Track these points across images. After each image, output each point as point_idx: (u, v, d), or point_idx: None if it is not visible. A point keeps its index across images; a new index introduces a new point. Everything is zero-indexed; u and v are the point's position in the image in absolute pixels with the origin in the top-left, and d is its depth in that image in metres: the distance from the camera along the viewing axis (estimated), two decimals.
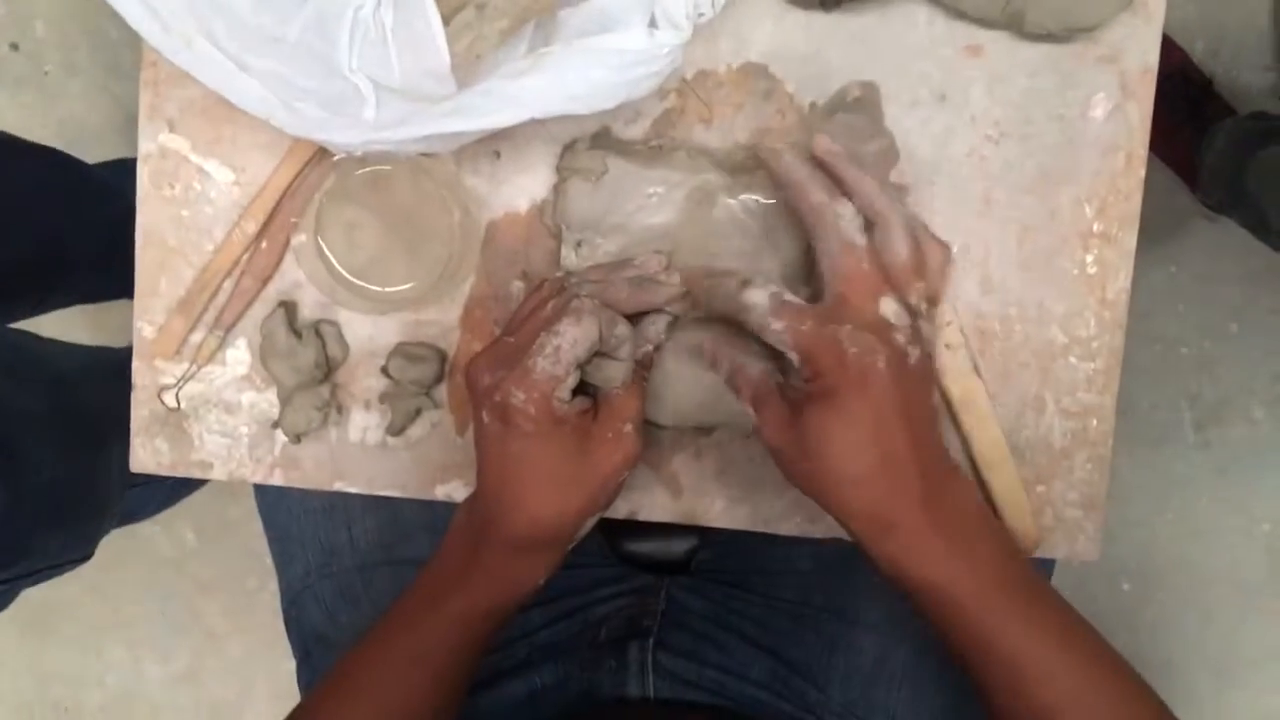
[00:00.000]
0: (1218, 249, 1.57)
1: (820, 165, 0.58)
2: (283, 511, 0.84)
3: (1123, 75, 0.64)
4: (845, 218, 0.55)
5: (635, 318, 0.63)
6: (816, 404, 0.54)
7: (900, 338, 0.54)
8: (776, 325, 0.55)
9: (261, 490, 0.85)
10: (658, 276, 0.62)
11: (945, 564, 0.55)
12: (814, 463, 0.55)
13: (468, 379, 0.60)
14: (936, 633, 0.58)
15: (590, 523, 0.62)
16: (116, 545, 1.72)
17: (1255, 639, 1.63)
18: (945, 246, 0.58)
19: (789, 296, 0.56)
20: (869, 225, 0.57)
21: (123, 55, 1.64)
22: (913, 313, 0.55)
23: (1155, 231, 1.57)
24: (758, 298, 0.56)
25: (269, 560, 0.88)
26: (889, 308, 0.54)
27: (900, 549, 0.55)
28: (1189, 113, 1.50)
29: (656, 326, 0.63)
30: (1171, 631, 1.63)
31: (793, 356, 0.56)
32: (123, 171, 1.23)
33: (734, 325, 0.60)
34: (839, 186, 0.57)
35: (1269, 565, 1.62)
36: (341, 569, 0.82)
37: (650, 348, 0.63)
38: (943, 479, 0.56)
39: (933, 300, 0.57)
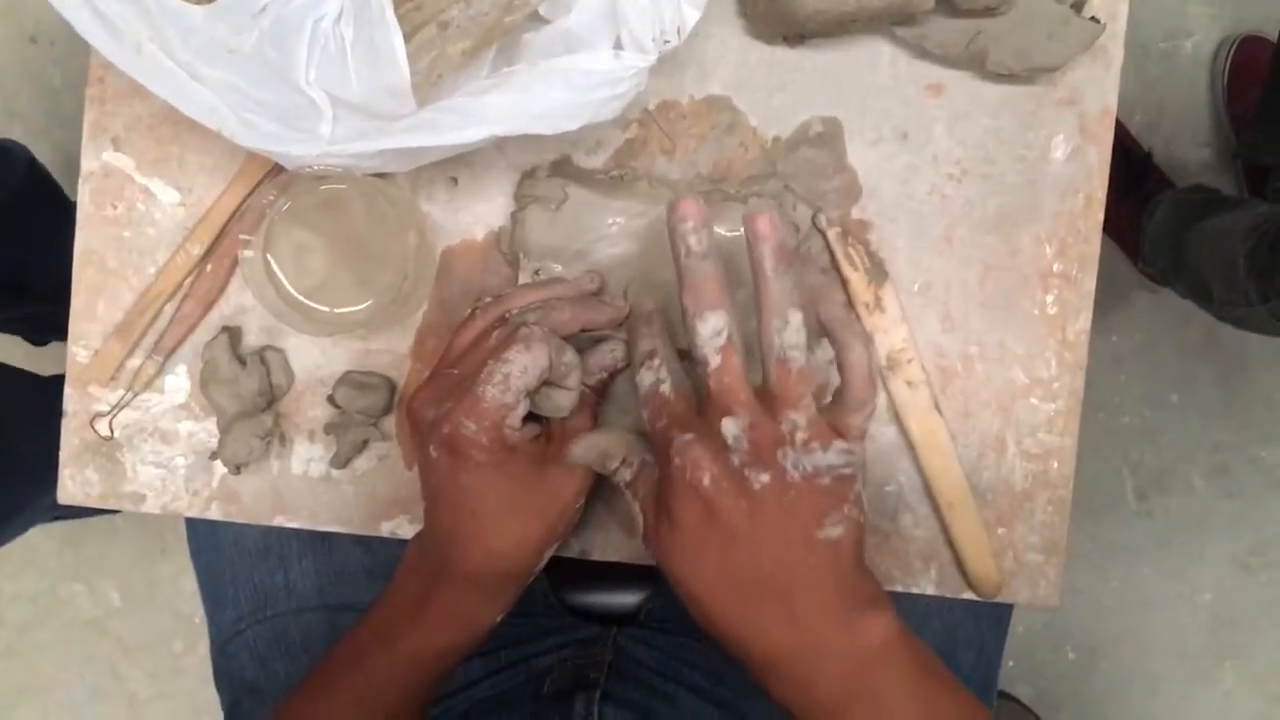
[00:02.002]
0: (1158, 320, 1.60)
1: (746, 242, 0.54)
2: (215, 552, 0.80)
3: (1082, 118, 0.65)
4: (702, 334, 0.53)
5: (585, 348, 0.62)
6: (662, 514, 0.53)
7: (735, 459, 0.51)
8: (644, 412, 0.55)
9: (194, 529, 0.81)
10: (602, 297, 0.61)
11: (837, 716, 0.51)
12: (673, 581, 0.53)
13: (410, 415, 0.58)
14: None
15: (548, 554, 0.60)
16: (34, 604, 1.66)
17: (1200, 709, 1.63)
18: (870, 388, 0.55)
19: (665, 388, 0.55)
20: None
21: (64, 101, 1.61)
22: (772, 439, 0.52)
23: (1097, 302, 1.59)
24: (644, 380, 0.55)
25: (198, 621, 0.84)
26: (727, 428, 0.52)
27: (785, 691, 0.52)
28: (1129, 185, 1.53)
29: (615, 354, 0.61)
30: (1118, 701, 1.63)
31: (653, 448, 0.55)
32: None
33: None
34: (752, 275, 0.54)
35: (1211, 634, 1.63)
36: (276, 614, 0.78)
37: (605, 375, 0.62)
38: (841, 621, 0.52)
39: (840, 433, 0.53)
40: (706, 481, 0.51)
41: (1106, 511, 1.62)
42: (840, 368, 0.56)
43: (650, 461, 0.57)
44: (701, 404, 0.54)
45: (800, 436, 0.52)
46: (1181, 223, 1.38)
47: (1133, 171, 1.54)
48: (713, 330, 0.53)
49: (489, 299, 0.62)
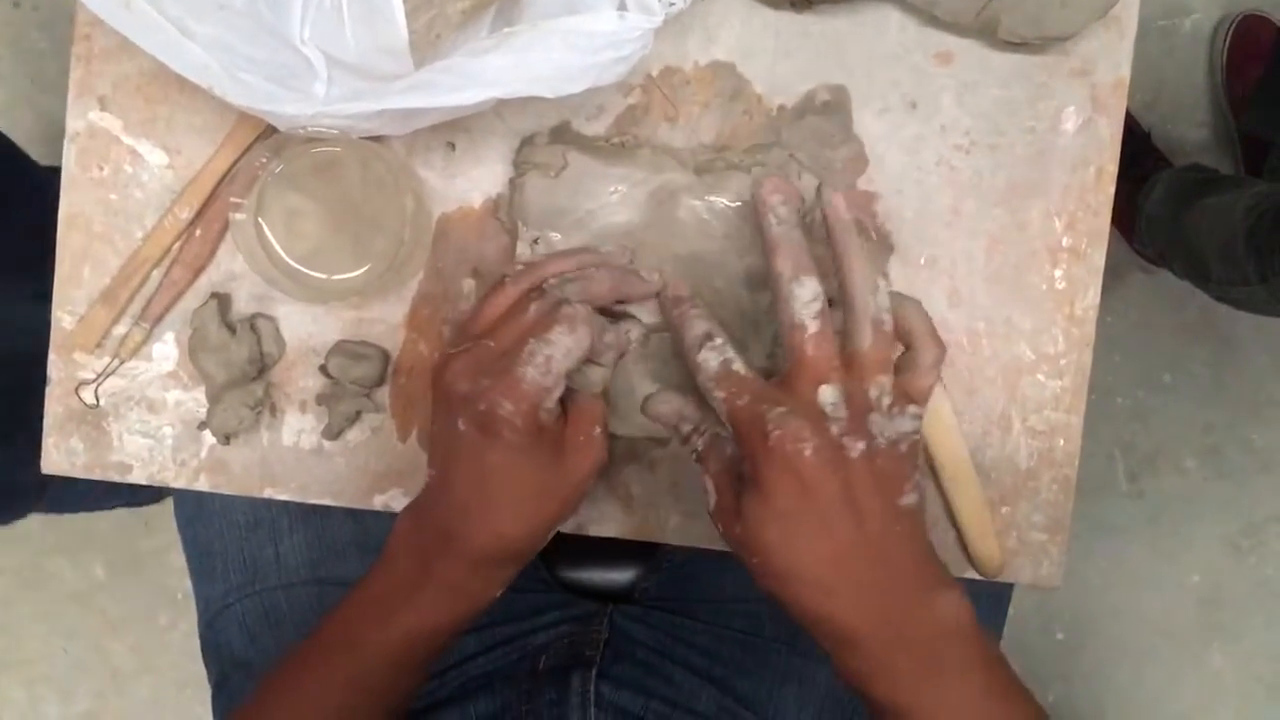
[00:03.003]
0: (1152, 300, 1.59)
1: (824, 220, 0.55)
2: (203, 524, 0.78)
3: (1094, 89, 0.64)
4: (800, 299, 0.52)
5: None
6: (750, 491, 0.52)
7: (834, 429, 0.51)
8: (718, 393, 0.53)
9: (181, 501, 0.80)
10: (640, 273, 0.60)
11: (914, 692, 0.51)
12: (759, 558, 0.52)
13: (441, 384, 0.56)
14: None
15: (552, 534, 0.59)
16: (18, 577, 1.64)
17: (1187, 690, 1.63)
18: (939, 346, 0.56)
19: (737, 366, 0.54)
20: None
21: (48, 65, 1.59)
22: (863, 406, 0.52)
23: None
24: (710, 361, 0.54)
25: (182, 596, 0.83)
26: (826, 396, 0.51)
27: (862, 668, 0.52)
28: (1127, 164, 1.51)
29: (630, 334, 0.60)
30: (1105, 681, 1.63)
31: (728, 429, 0.54)
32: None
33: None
34: (832, 248, 0.55)
35: (1199, 616, 1.63)
36: (265, 588, 0.77)
37: (615, 355, 0.60)
38: (919, 592, 0.52)
39: (913, 397, 0.54)
40: (808, 453, 0.50)
41: (1097, 492, 1.61)
42: (904, 333, 0.56)
43: (724, 435, 0.56)
44: (786, 374, 0.53)
45: (886, 402, 0.52)
46: (1179, 202, 1.37)
47: (1130, 151, 1.52)
48: (811, 294, 0.52)
49: (520, 266, 0.60)
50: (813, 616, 0.52)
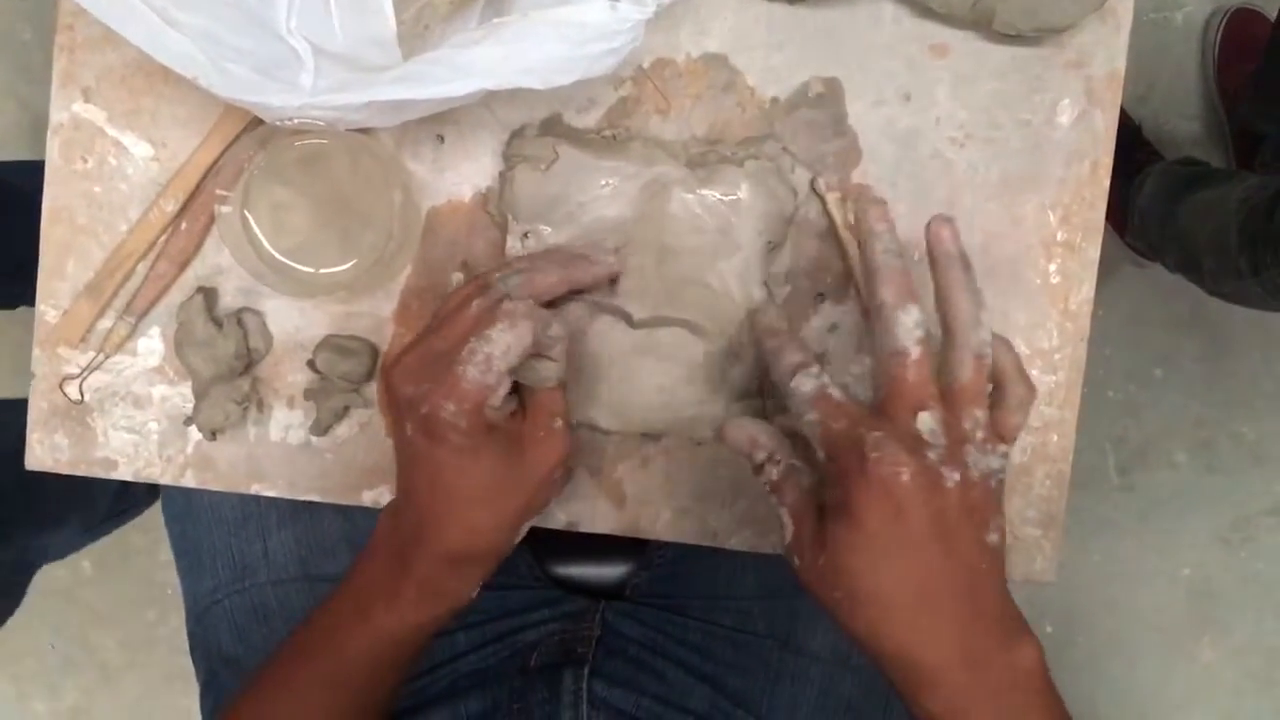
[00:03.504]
0: (1144, 295, 1.59)
1: (930, 251, 0.55)
2: (191, 522, 0.78)
3: (1089, 81, 0.63)
4: (904, 325, 0.52)
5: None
6: (839, 517, 0.50)
7: (932, 455, 0.50)
8: (811, 416, 0.52)
9: (169, 497, 0.79)
10: (590, 256, 0.59)
11: None
12: (840, 590, 0.51)
13: (388, 387, 0.55)
14: None
15: (525, 528, 0.58)
16: None
17: (1178, 684, 1.63)
18: (1029, 388, 0.55)
19: (834, 391, 0.53)
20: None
21: (33, 57, 1.57)
22: (959, 436, 0.51)
23: None
24: (805, 386, 0.53)
25: (171, 591, 0.82)
26: (924, 423, 0.50)
27: (938, 711, 0.50)
28: (1118, 158, 1.51)
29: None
30: (1096, 674, 1.63)
31: (820, 453, 0.53)
32: (28, 173, 1.16)
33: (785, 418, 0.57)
34: (937, 279, 0.54)
35: (1189, 610, 1.63)
36: (254, 585, 0.76)
37: (565, 347, 0.59)
38: (1002, 636, 0.51)
39: (1003, 436, 0.53)
40: (905, 477, 0.49)
41: (1088, 486, 1.61)
42: (995, 372, 0.54)
43: (799, 465, 0.55)
44: (883, 400, 0.52)
45: (980, 435, 0.51)
46: (1171, 195, 1.36)
47: (1121, 145, 1.52)
48: (915, 322, 0.52)
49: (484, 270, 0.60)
50: (893, 650, 0.50)
